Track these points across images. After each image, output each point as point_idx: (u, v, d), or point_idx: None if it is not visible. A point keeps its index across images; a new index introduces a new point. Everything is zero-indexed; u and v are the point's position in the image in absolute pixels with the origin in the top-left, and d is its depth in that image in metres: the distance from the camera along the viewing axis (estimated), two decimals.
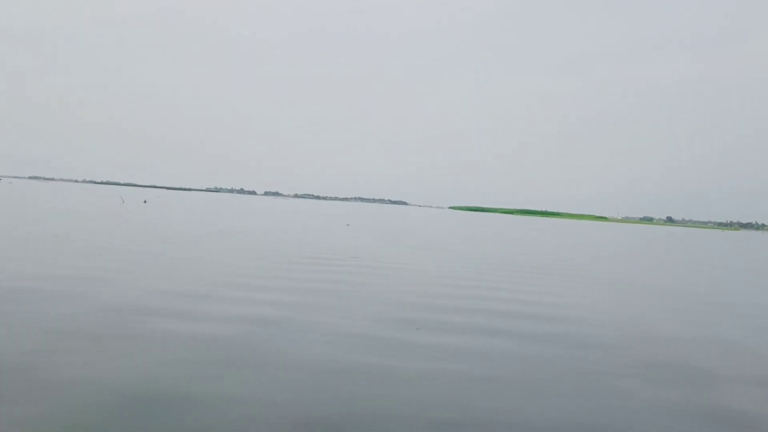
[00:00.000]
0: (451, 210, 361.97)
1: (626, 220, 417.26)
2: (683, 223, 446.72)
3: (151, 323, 9.44)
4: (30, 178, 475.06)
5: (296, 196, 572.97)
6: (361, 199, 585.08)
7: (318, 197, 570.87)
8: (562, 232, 73.33)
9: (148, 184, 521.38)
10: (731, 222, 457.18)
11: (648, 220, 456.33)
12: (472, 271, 20.00)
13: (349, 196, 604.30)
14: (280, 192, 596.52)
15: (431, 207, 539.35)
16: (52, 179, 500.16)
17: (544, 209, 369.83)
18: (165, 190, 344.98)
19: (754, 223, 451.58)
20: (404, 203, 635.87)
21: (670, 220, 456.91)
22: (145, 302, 11.05)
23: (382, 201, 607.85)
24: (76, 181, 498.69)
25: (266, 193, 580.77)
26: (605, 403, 7.00)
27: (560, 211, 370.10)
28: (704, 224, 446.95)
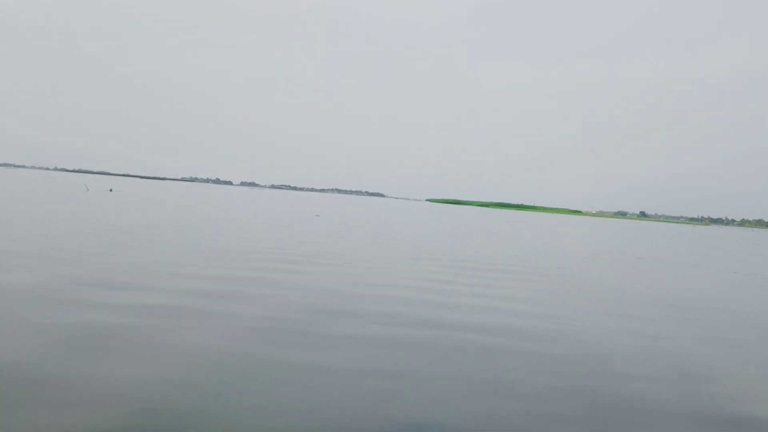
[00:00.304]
0: (428, 203, 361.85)
1: (600, 214, 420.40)
2: (656, 218, 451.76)
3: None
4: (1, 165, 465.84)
5: (273, 186, 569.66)
6: (339, 191, 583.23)
7: (295, 188, 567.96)
8: (537, 225, 73.12)
9: (122, 173, 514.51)
10: (702, 217, 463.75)
11: (622, 214, 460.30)
12: (417, 264, 19.28)
13: (326, 188, 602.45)
14: (256, 182, 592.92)
15: (408, 199, 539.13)
16: (23, 166, 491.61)
17: (520, 203, 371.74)
18: (139, 179, 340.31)
19: (724, 218, 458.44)
20: (382, 195, 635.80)
21: (643, 215, 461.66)
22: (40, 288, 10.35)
23: (359, 192, 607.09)
24: (47, 168, 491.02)
25: (243, 184, 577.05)
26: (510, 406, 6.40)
27: (536, 204, 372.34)
28: (676, 219, 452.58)
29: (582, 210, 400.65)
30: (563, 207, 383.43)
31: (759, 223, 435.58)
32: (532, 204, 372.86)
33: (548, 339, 9.58)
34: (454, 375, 7.24)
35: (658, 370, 8.12)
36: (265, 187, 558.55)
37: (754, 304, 15.89)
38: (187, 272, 13.47)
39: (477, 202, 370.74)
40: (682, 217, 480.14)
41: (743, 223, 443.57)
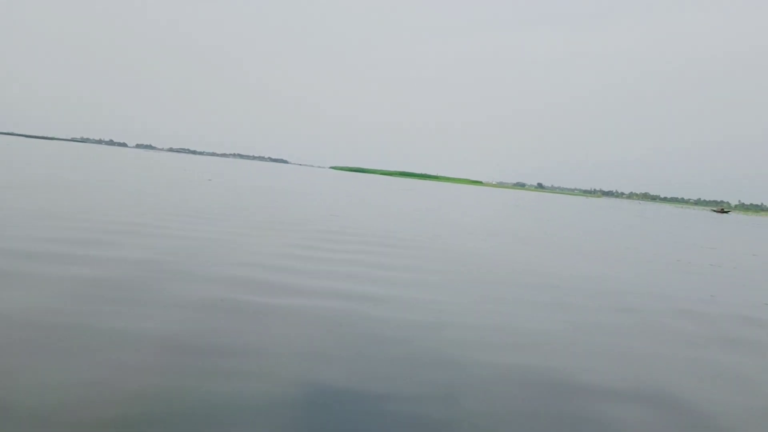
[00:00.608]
0: (332, 170, 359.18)
1: (500, 185, 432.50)
2: (552, 189, 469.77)
3: None
4: None
5: (171, 150, 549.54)
6: (240, 156, 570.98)
7: (195, 152, 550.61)
8: (434, 194, 72.44)
9: (5, 131, 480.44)
10: (595, 189, 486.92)
11: (520, 185, 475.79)
12: (291, 232, 17.20)
13: (227, 152, 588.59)
14: (153, 145, 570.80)
15: (312, 166, 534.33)
16: None
17: (424, 172, 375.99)
18: (24, 138, 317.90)
19: (614, 191, 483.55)
20: (285, 161, 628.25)
21: (540, 187, 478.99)
22: None
23: (262, 158, 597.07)
24: None
25: (138, 146, 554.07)
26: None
27: (439, 174, 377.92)
28: (571, 191, 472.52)
29: (483, 181, 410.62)
30: (465, 177, 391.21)
31: (645, 196, 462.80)
32: (435, 174, 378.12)
33: (406, 306, 8.53)
34: (291, 340, 6.52)
35: (501, 336, 7.48)
36: (162, 150, 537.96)
37: (602, 271, 14.72)
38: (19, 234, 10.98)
39: (381, 170, 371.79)
40: (576, 189, 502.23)
41: (631, 196, 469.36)
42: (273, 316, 7.63)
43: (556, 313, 9.43)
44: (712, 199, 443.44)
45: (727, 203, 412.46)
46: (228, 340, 6.33)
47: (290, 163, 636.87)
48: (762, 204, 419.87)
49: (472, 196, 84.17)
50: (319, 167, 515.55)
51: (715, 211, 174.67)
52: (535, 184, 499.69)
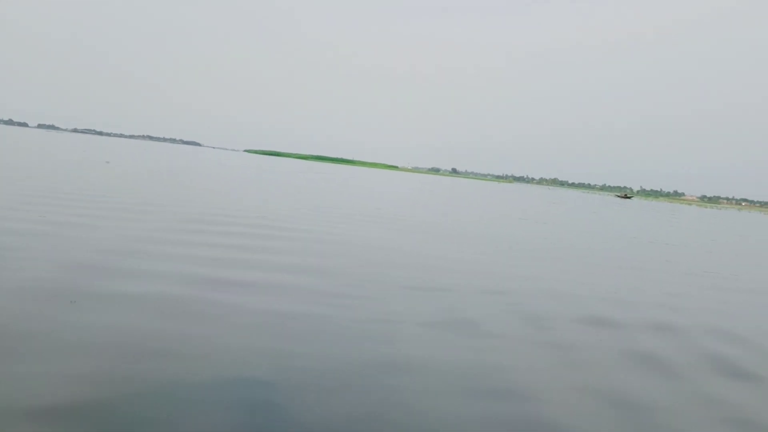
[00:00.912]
0: (246, 153, 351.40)
1: (416, 170, 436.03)
2: (466, 174, 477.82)
3: None
4: None
5: (75, 130, 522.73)
6: (150, 138, 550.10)
7: (101, 133, 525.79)
8: (343, 178, 70.79)
9: None
10: (507, 175, 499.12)
11: (435, 170, 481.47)
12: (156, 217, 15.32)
13: (137, 134, 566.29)
14: (56, 125, 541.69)
15: (226, 149, 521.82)
16: None
17: (340, 156, 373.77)
18: None
19: (525, 176, 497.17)
20: (197, 144, 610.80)
21: (454, 172, 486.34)
22: None
23: (173, 141, 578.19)
24: None
25: (40, 126, 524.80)
26: None
27: (354, 158, 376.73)
28: (484, 176, 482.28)
29: (399, 165, 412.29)
30: (382, 162, 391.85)
31: (554, 182, 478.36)
32: (351, 158, 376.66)
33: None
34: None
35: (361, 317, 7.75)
36: (66, 130, 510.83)
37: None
38: None
39: (296, 154, 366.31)
40: (489, 174, 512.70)
41: (541, 181, 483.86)
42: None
43: (423, 296, 9.21)
44: (616, 185, 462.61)
45: (630, 189, 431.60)
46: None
47: (203, 145, 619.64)
48: (660, 190, 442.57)
49: (381, 181, 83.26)
50: (233, 150, 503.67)
51: (619, 196, 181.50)
52: (450, 169, 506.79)
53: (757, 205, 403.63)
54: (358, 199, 33.71)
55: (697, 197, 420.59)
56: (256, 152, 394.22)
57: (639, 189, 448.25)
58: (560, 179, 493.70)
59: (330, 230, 16.89)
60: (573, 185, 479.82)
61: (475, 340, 7.15)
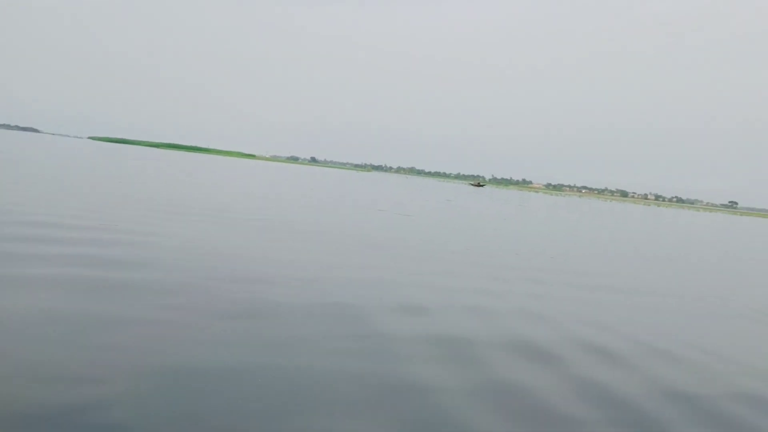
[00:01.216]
0: (90, 140, 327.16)
1: (274, 158, 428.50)
2: (325, 163, 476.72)
3: None
4: None
5: None
6: None
7: None
8: (180, 167, 65.64)
9: None
10: (366, 164, 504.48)
11: (294, 159, 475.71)
12: None
13: None
14: None
15: (68, 136, 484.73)
16: None
17: (194, 144, 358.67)
18: None
19: (384, 165, 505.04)
20: (35, 131, 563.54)
21: (314, 161, 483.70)
22: None
23: (8, 126, 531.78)
24: None
25: None
26: None
27: (209, 147, 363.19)
28: (343, 165, 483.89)
29: (256, 154, 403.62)
30: (238, 151, 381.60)
31: (411, 171, 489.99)
32: (207, 146, 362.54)
33: None
34: None
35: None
36: None
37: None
38: None
39: (146, 142, 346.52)
40: (348, 163, 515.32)
41: (399, 170, 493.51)
42: None
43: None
44: (470, 173, 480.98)
45: (483, 177, 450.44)
46: None
47: (42, 131, 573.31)
48: (510, 178, 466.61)
49: (239, 169, 78.67)
50: (76, 137, 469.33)
51: (472, 185, 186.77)
52: (309, 158, 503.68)
53: (595, 192, 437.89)
54: (186, 190, 29.69)
55: (543, 185, 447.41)
56: (101, 139, 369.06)
57: (491, 177, 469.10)
58: (417, 168, 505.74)
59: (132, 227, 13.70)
60: (429, 174, 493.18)
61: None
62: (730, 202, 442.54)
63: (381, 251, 13.51)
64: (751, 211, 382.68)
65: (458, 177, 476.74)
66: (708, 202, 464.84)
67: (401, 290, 9.26)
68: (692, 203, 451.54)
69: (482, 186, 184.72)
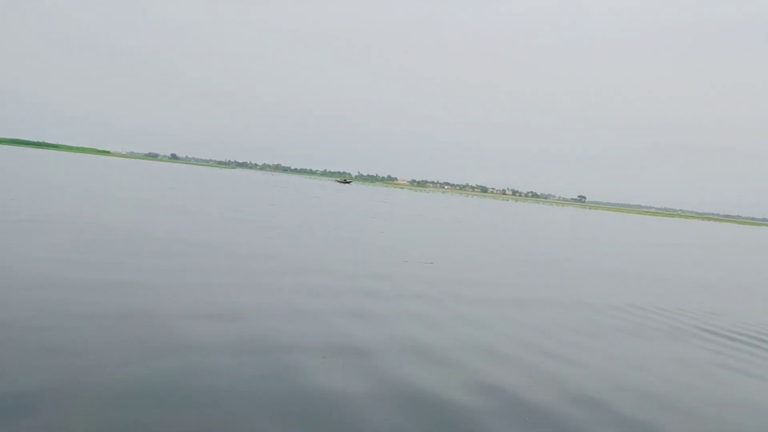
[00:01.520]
0: None
1: (131, 155, 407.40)
2: (186, 160, 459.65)
3: None
4: None
5: None
6: None
7: None
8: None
9: None
10: (230, 161, 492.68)
11: (153, 156, 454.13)
12: None
13: None
14: None
15: None
16: None
17: (41, 140, 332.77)
18: None
19: (248, 162, 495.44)
20: None
21: (174, 157, 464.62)
22: None
23: None
24: None
25: None
26: None
27: (59, 143, 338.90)
28: (206, 162, 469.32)
29: (111, 151, 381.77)
30: (91, 147, 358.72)
31: (277, 168, 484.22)
32: (54, 142, 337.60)
33: None
34: None
35: None
36: None
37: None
38: None
39: None
40: (211, 160, 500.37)
41: (264, 167, 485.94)
42: None
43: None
44: (336, 170, 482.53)
45: (349, 174, 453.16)
46: None
47: None
48: (376, 175, 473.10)
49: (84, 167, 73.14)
50: None
51: (338, 181, 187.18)
52: (169, 155, 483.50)
53: (457, 188, 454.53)
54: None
55: (408, 181, 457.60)
56: None
57: (357, 174, 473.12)
58: (283, 165, 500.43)
59: None
60: (295, 171, 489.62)
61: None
62: (579, 196, 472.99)
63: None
64: (597, 205, 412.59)
65: (325, 174, 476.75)
66: (560, 197, 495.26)
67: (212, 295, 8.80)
68: (546, 198, 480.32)
69: (349, 183, 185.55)
